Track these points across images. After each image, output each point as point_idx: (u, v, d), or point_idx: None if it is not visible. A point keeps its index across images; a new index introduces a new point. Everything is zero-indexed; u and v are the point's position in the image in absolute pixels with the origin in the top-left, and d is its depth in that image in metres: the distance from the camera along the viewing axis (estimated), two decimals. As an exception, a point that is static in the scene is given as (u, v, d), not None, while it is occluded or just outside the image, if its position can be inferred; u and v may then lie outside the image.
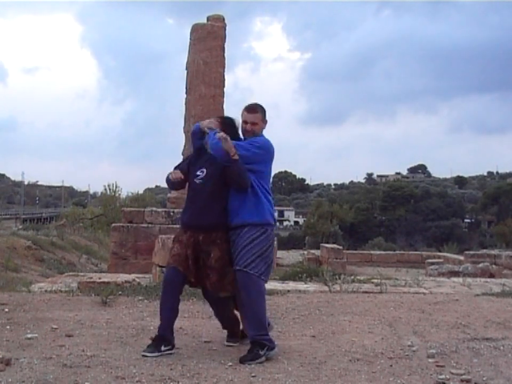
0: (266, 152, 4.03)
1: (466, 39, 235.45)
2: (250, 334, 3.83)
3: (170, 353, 3.76)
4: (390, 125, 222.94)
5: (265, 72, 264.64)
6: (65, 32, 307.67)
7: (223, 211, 3.91)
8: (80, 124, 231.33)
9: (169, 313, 3.89)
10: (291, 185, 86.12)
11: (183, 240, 3.93)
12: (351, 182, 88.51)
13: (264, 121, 4.15)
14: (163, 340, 3.81)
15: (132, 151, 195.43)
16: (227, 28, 15.48)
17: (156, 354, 3.70)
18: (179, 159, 15.74)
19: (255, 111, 4.10)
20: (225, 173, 3.86)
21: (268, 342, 3.75)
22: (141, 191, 34.34)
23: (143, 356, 3.68)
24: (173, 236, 4.34)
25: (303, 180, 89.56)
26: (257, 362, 3.62)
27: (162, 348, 3.76)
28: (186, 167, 4.08)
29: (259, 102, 4.25)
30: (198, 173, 3.97)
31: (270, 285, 6.26)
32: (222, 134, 3.82)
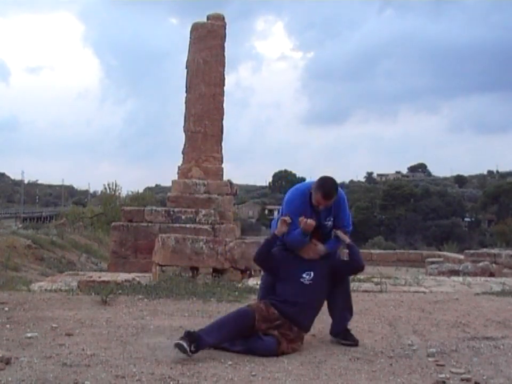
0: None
1: (468, 39, 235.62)
2: (346, 323, 4.30)
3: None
4: (391, 124, 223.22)
5: (268, 71, 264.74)
6: (67, 31, 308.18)
7: (316, 315, 4.21)
8: (81, 123, 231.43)
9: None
10: (291, 184, 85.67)
11: (269, 316, 3.96)
12: (351, 181, 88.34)
13: None
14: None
15: (132, 150, 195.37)
16: (229, 26, 15.51)
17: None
18: (179, 158, 15.82)
19: (331, 197, 4.10)
20: (332, 270, 4.20)
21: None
22: (141, 190, 34.29)
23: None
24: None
25: (304, 179, 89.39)
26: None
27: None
28: (280, 263, 4.22)
29: (333, 179, 4.17)
30: (304, 275, 4.12)
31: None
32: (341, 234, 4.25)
